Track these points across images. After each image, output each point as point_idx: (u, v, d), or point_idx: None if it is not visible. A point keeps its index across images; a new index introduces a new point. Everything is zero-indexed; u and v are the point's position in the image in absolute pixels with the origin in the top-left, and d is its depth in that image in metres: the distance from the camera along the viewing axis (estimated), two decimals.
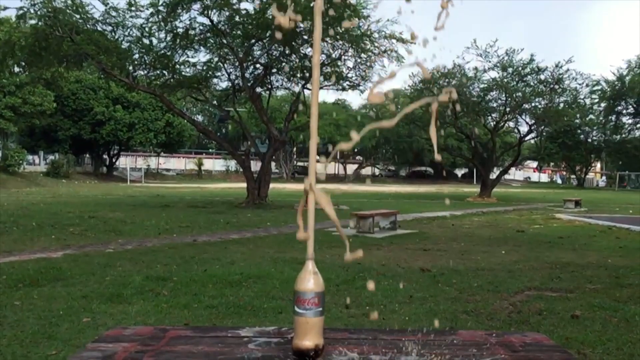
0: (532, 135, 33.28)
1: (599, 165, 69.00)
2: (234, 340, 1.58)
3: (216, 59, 18.90)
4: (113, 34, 17.23)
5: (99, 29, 16.98)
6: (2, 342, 3.81)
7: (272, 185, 20.41)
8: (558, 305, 5.07)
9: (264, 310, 4.74)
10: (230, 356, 1.43)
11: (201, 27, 17.23)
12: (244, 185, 19.72)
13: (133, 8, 16.44)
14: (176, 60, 18.10)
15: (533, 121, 29.68)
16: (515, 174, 68.55)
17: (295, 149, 59.98)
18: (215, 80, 20.55)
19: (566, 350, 1.60)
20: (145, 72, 18.39)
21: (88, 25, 16.62)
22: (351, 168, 63.54)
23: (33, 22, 16.20)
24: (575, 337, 4.07)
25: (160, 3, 15.84)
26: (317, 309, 1.41)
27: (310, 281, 1.41)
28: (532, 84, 26.99)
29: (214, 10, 16.58)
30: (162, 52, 17.43)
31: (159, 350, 1.47)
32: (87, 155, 49.22)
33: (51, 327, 4.17)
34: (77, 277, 5.99)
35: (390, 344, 1.54)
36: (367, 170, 67.11)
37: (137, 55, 17.67)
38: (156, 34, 17.15)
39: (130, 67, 17.80)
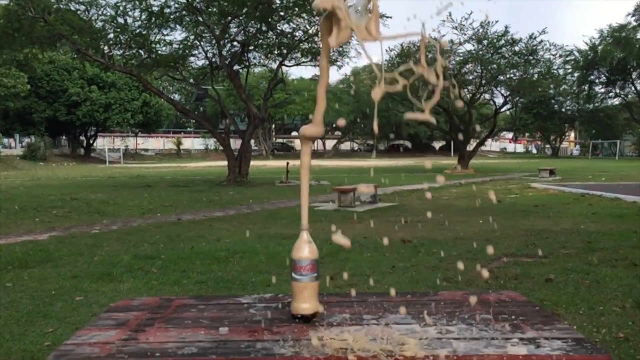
0: (508, 106, 33.72)
1: (572, 134, 70.09)
2: (235, 306, 1.73)
3: (192, 37, 18.73)
4: (86, 13, 16.98)
5: (72, 8, 16.71)
6: None
7: (252, 163, 20.46)
8: (533, 270, 5.30)
9: (252, 284, 4.89)
10: (235, 320, 1.58)
11: (176, 5, 17.02)
12: (224, 163, 19.73)
13: None
14: (152, 39, 17.91)
15: (508, 93, 30.05)
16: (491, 145, 69.29)
17: (274, 126, 59.76)
18: (192, 58, 20.40)
19: (538, 304, 1.77)
20: (121, 51, 18.17)
21: (61, 5, 16.35)
22: (330, 143, 63.60)
23: (4, 2, 15.91)
24: (549, 299, 4.29)
25: None
26: (313, 275, 1.57)
27: (305, 249, 1.56)
28: (506, 55, 27.23)
29: None
30: (138, 31, 17.21)
31: (168, 317, 1.61)
32: (64, 137, 48.52)
33: (45, 307, 4.27)
34: (65, 258, 6.07)
35: (379, 305, 1.70)
36: (346, 145, 67.22)
37: (112, 35, 17.44)
38: (131, 12, 16.92)
39: (105, 47, 17.57)
